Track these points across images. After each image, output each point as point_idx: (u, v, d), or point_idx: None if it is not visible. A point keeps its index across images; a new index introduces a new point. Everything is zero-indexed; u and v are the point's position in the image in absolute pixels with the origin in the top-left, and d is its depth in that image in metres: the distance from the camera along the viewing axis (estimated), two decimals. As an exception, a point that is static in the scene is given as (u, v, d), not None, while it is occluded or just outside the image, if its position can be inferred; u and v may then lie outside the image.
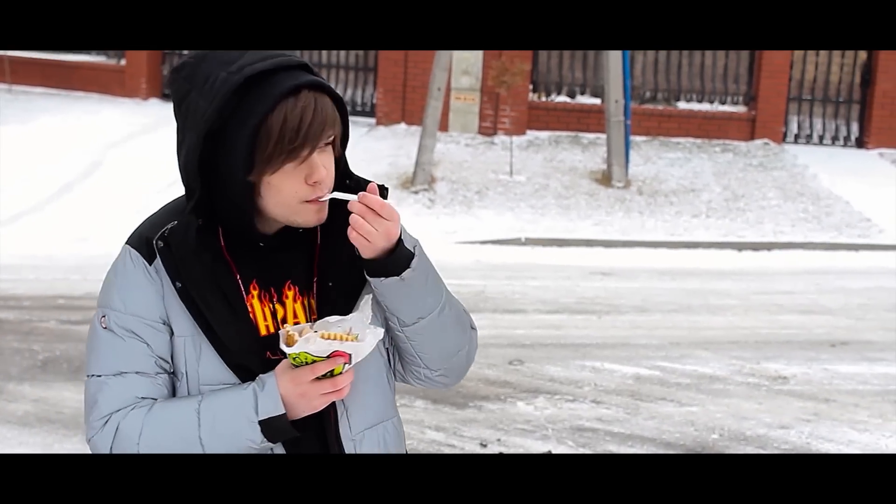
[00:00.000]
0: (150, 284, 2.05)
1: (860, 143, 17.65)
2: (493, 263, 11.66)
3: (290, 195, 2.00)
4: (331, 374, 1.98)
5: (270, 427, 1.97)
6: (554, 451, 6.08)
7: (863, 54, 17.69)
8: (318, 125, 1.96)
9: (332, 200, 2.03)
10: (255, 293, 2.09)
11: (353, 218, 1.99)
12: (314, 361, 1.96)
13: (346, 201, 2.00)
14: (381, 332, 2.00)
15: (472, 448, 6.13)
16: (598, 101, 16.94)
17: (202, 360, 2.05)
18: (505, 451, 6.07)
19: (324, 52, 17.84)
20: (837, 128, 17.89)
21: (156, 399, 2.04)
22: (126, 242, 2.11)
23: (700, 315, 9.57)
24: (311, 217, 2.04)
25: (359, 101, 17.88)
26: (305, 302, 2.12)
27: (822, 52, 17.80)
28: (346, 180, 2.13)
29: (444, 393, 7.05)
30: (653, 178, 15.31)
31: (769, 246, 13.32)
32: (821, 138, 17.82)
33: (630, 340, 8.58)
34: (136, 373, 2.04)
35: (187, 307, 2.03)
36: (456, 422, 6.55)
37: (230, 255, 2.08)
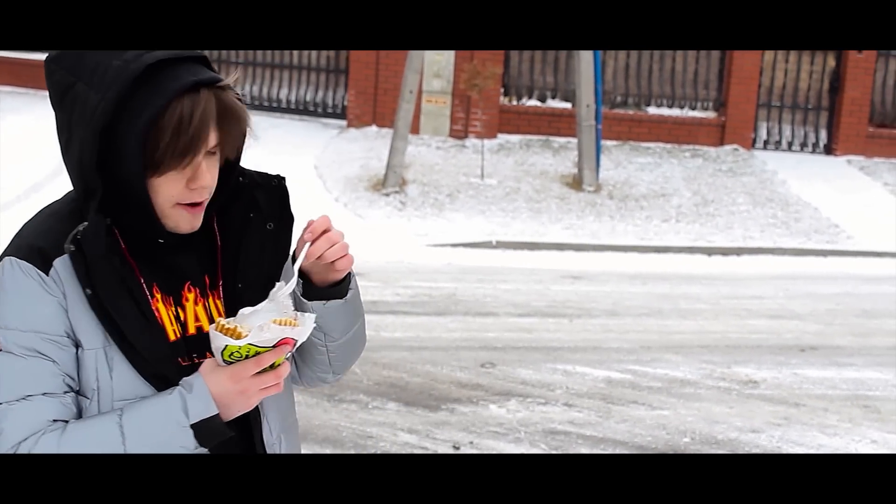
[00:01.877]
0: (49, 297, 1.87)
1: (828, 150, 17.76)
2: (465, 266, 11.67)
3: (166, 197, 1.88)
4: (271, 367, 1.85)
5: (203, 430, 1.83)
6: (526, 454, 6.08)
7: (831, 61, 17.81)
8: (213, 129, 1.85)
9: (213, 197, 1.95)
10: (159, 296, 1.95)
11: (328, 252, 1.93)
12: (257, 353, 1.82)
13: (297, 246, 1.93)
14: (313, 317, 1.89)
15: (446, 450, 6.12)
16: (569, 105, 16.97)
17: (115, 373, 1.88)
18: (478, 453, 6.06)
19: (295, 54, 17.78)
20: (806, 134, 18.00)
21: (66, 420, 1.86)
22: (7, 254, 1.91)
23: (670, 319, 9.61)
24: (183, 223, 1.93)
25: (330, 102, 17.84)
26: (208, 303, 2.01)
27: (792, 59, 17.90)
28: (240, 178, 2.05)
29: (416, 395, 7.04)
30: (623, 182, 15.36)
31: (738, 251, 13.39)
32: (790, 144, 17.92)
33: (601, 344, 8.60)
34: (43, 394, 1.85)
35: (98, 316, 1.87)
36: (429, 424, 6.54)
37: (132, 258, 1.94)
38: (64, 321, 1.88)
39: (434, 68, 16.40)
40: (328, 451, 5.95)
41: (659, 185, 15.42)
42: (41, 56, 18.43)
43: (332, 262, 1.96)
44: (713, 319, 9.69)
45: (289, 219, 2.09)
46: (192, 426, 1.82)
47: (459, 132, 16.64)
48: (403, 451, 6.08)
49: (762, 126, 17.95)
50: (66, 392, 1.88)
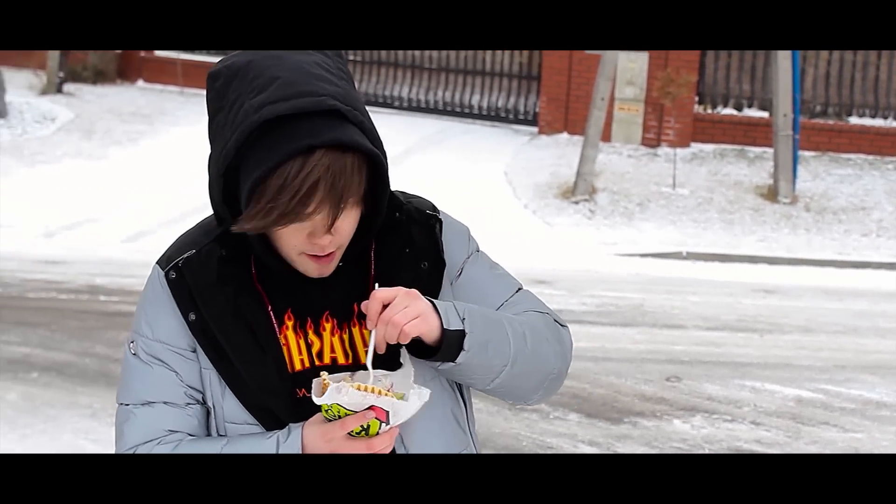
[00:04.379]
0: (178, 309, 1.90)
1: None
2: (653, 277, 11.48)
3: (290, 247, 1.84)
4: (366, 433, 1.79)
5: None
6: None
7: None
8: (324, 193, 1.76)
9: (369, 228, 1.91)
10: (290, 324, 1.92)
11: (390, 319, 1.79)
12: (346, 415, 1.77)
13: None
14: (426, 393, 1.82)
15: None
16: (765, 114, 16.54)
17: (226, 397, 1.89)
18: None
19: (487, 60, 17.86)
20: None
21: (186, 432, 1.90)
22: (156, 263, 1.95)
23: (868, 338, 9.23)
24: (311, 269, 1.88)
25: (521, 109, 17.84)
26: (345, 336, 1.95)
27: None
28: (396, 213, 1.98)
29: (598, 407, 6.95)
30: (821, 194, 14.87)
31: (943, 268, 12.80)
32: None
33: (793, 361, 8.32)
34: (164, 403, 1.89)
35: (199, 342, 1.87)
36: (610, 437, 6.45)
37: (261, 285, 1.91)
38: (188, 335, 1.89)
39: (627, 75, 16.23)
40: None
41: (859, 198, 14.87)
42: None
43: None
44: (913, 339, 9.29)
45: (441, 262, 2.01)
46: None
47: (651, 140, 16.42)
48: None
49: (972, 138, 17.13)
50: (188, 404, 1.91)
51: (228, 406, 1.89)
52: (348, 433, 1.78)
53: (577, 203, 13.93)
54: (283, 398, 1.88)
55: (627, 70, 16.20)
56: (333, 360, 1.94)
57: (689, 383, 7.62)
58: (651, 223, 13.62)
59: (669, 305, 10.05)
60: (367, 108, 1.87)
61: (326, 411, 1.78)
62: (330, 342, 1.93)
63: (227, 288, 1.87)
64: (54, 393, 6.96)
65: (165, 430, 1.88)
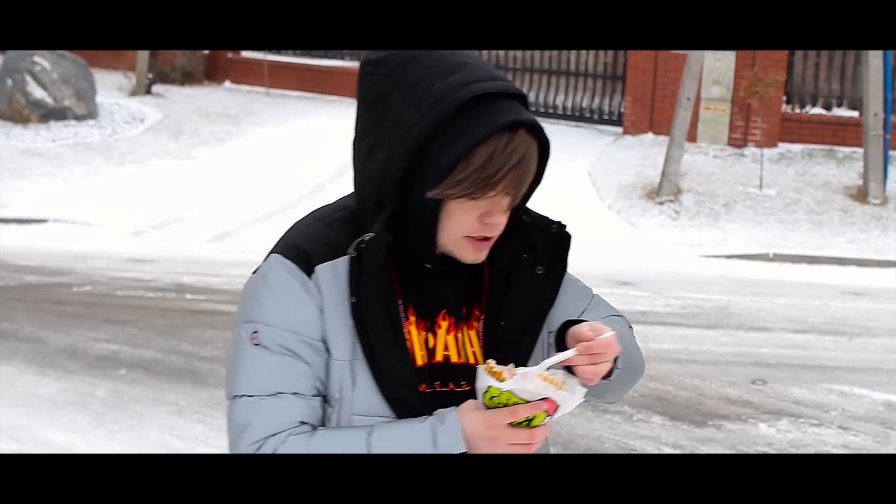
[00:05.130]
0: (309, 299, 1.88)
1: None
2: (739, 278, 11.34)
3: (458, 226, 1.87)
4: (527, 424, 1.80)
5: None
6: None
7: None
8: (522, 174, 1.84)
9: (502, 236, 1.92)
10: (413, 320, 1.94)
11: (585, 370, 1.82)
12: (516, 404, 1.78)
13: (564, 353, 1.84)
14: (582, 391, 1.83)
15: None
16: (855, 113, 16.26)
17: (357, 388, 1.89)
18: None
19: (571, 60, 17.79)
20: None
21: (312, 424, 1.88)
22: (275, 252, 1.94)
23: (961, 342, 9.04)
24: (468, 254, 1.91)
25: (606, 109, 17.73)
26: (459, 335, 1.97)
27: None
28: (524, 216, 2.01)
29: (682, 409, 6.88)
30: (913, 195, 14.60)
31: None
32: None
33: (882, 365, 8.16)
34: (294, 394, 1.87)
35: (356, 327, 1.87)
36: (694, 440, 6.38)
37: (396, 278, 1.93)
38: (320, 326, 1.89)
39: (713, 75, 16.06)
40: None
41: (952, 199, 14.57)
42: (326, 62, 19.11)
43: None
44: None
45: (560, 270, 2.04)
46: None
47: (738, 141, 16.22)
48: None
49: None
50: (314, 395, 1.89)
51: (359, 398, 1.89)
52: (509, 423, 1.79)
53: (661, 204, 13.81)
54: (414, 391, 1.90)
55: (714, 69, 16.02)
56: (446, 357, 1.96)
57: (775, 386, 7.50)
58: (737, 224, 13.46)
59: (755, 307, 9.92)
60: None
61: (491, 398, 1.78)
62: (444, 340, 1.96)
63: (383, 275, 1.87)
64: (141, 390, 7.06)
65: (297, 421, 1.86)
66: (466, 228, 1.87)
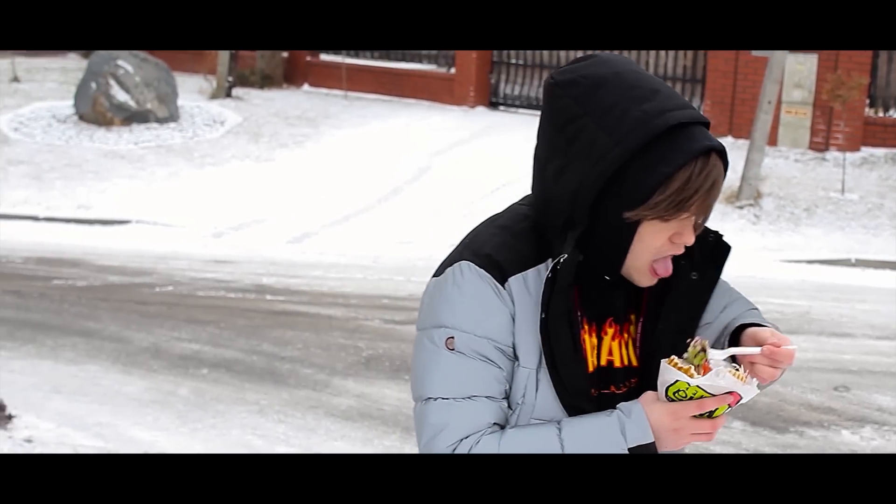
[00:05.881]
0: (503, 307, 1.97)
1: None
2: (820, 284, 11.19)
3: (648, 247, 1.96)
4: (709, 416, 1.89)
5: (638, 455, 1.91)
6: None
7: None
8: (713, 196, 1.94)
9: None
10: (586, 328, 2.04)
11: (764, 370, 1.92)
12: (702, 397, 1.86)
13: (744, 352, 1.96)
14: (755, 384, 1.90)
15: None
16: (941, 117, 15.99)
17: (539, 394, 1.98)
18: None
19: (650, 62, 17.69)
20: None
21: (501, 425, 1.98)
22: (465, 259, 2.01)
23: None
24: (644, 279, 2.01)
25: (685, 112, 17.58)
26: (623, 341, 2.08)
27: None
28: (709, 236, 2.11)
29: (763, 415, 6.82)
30: None
31: None
32: None
33: (969, 373, 8.02)
34: (487, 397, 1.96)
35: (542, 339, 1.95)
36: (775, 446, 6.32)
37: (577, 291, 2.02)
38: (511, 333, 1.98)
39: (795, 78, 15.87)
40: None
41: None
42: (404, 66, 19.19)
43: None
44: None
45: (713, 277, 2.15)
46: (630, 450, 1.90)
47: (820, 144, 16.01)
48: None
49: None
50: (503, 398, 1.99)
51: (540, 403, 1.98)
52: (693, 415, 1.89)
53: (741, 208, 13.68)
54: (588, 397, 1.99)
55: (796, 72, 15.83)
56: (609, 362, 2.07)
57: (858, 393, 7.40)
58: (818, 229, 13.29)
59: (837, 313, 9.78)
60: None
61: (676, 392, 1.87)
62: (609, 345, 2.06)
63: (571, 292, 1.95)
64: (223, 389, 7.14)
65: (489, 422, 1.96)
66: (656, 249, 1.97)
